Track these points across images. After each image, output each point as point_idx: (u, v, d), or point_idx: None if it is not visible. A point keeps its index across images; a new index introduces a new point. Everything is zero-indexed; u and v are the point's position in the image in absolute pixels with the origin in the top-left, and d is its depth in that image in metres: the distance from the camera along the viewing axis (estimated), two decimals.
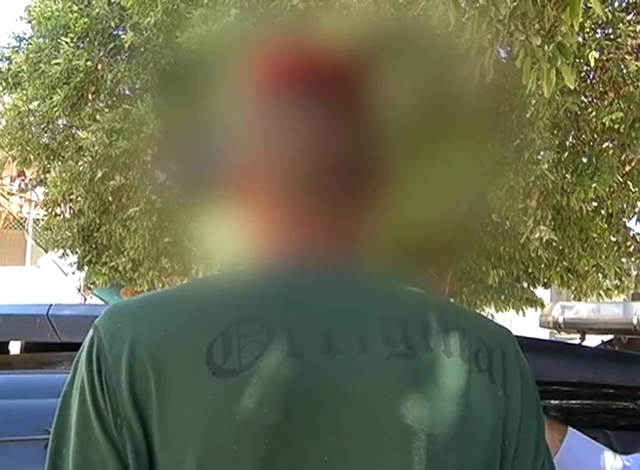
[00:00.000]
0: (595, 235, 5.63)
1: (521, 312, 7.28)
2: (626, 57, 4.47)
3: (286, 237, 0.85)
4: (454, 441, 0.77)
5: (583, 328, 5.14)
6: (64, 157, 6.74)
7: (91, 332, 0.78)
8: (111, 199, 6.45)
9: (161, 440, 0.73)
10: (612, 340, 5.80)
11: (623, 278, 6.09)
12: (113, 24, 6.57)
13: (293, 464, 0.74)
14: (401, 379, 0.78)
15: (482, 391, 0.81)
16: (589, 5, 2.88)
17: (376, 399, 0.76)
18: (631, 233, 6.00)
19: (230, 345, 0.75)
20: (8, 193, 9.99)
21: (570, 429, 1.42)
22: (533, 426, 0.85)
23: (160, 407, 0.73)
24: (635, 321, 4.29)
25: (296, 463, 0.74)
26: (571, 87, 2.88)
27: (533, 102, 3.88)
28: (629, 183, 5.20)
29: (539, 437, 0.85)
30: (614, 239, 5.82)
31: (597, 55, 4.39)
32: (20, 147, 6.87)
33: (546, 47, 2.62)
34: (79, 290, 11.25)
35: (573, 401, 1.71)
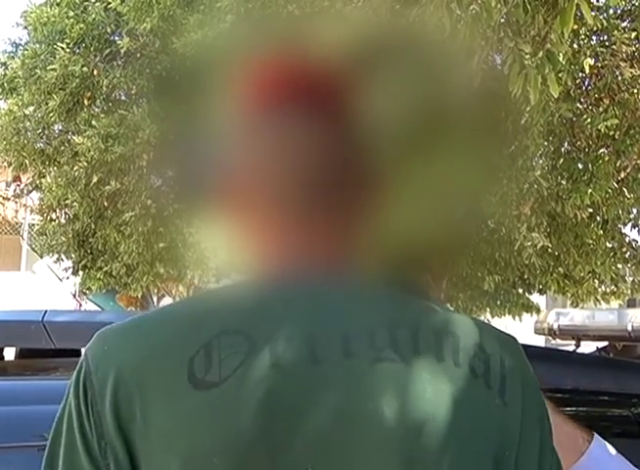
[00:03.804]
0: (591, 241, 5.63)
1: (517, 318, 7.28)
2: (621, 64, 4.48)
3: (275, 249, 0.85)
4: (442, 447, 0.75)
5: (578, 335, 5.14)
6: (59, 162, 6.72)
7: (81, 358, 0.79)
8: (106, 204, 6.44)
9: (145, 457, 0.73)
10: (606, 346, 5.80)
11: (620, 284, 6.09)
12: (109, 30, 6.56)
13: None
14: (387, 384, 0.76)
15: (477, 397, 0.79)
16: (583, 12, 2.89)
17: (359, 405, 0.75)
18: (627, 239, 6.01)
19: (211, 357, 0.74)
20: (3, 198, 9.97)
21: (595, 436, 1.40)
22: (536, 438, 0.82)
23: (143, 424, 0.73)
24: (630, 328, 4.29)
25: None
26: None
27: (528, 108, 3.89)
28: (624, 190, 5.21)
29: (544, 449, 0.82)
30: (609, 245, 5.83)
31: (592, 62, 4.40)
32: (15, 152, 6.85)
33: (539, 54, 2.64)
34: (74, 295, 11.22)
35: (567, 409, 1.71)
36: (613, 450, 1.33)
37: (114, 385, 0.74)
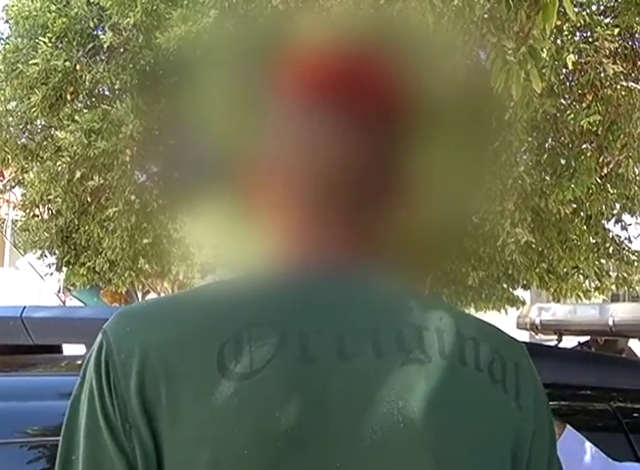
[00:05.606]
0: (574, 237, 5.66)
1: (503, 311, 7.31)
2: (604, 60, 4.50)
3: (299, 243, 0.85)
4: (464, 449, 0.77)
5: (560, 329, 5.16)
6: (42, 157, 6.68)
7: (100, 336, 0.77)
8: (89, 199, 6.41)
9: (171, 442, 0.72)
10: (588, 341, 5.83)
11: (604, 279, 6.12)
12: (91, 25, 6.52)
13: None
14: (416, 385, 0.77)
15: (495, 401, 0.81)
16: (566, 8, 2.91)
17: (390, 404, 0.75)
18: (610, 235, 6.05)
19: (241, 348, 0.74)
20: None
21: (567, 427, 1.40)
22: (546, 440, 0.84)
23: (170, 410, 0.72)
24: (611, 323, 4.32)
25: (307, 469, 0.73)
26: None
27: (511, 104, 3.90)
28: (607, 185, 5.24)
29: (552, 451, 0.84)
30: (593, 240, 5.86)
31: (575, 58, 4.43)
32: None
33: (521, 49, 2.65)
34: (58, 292, 11.18)
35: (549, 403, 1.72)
36: (587, 443, 1.34)
37: (140, 366, 0.73)
